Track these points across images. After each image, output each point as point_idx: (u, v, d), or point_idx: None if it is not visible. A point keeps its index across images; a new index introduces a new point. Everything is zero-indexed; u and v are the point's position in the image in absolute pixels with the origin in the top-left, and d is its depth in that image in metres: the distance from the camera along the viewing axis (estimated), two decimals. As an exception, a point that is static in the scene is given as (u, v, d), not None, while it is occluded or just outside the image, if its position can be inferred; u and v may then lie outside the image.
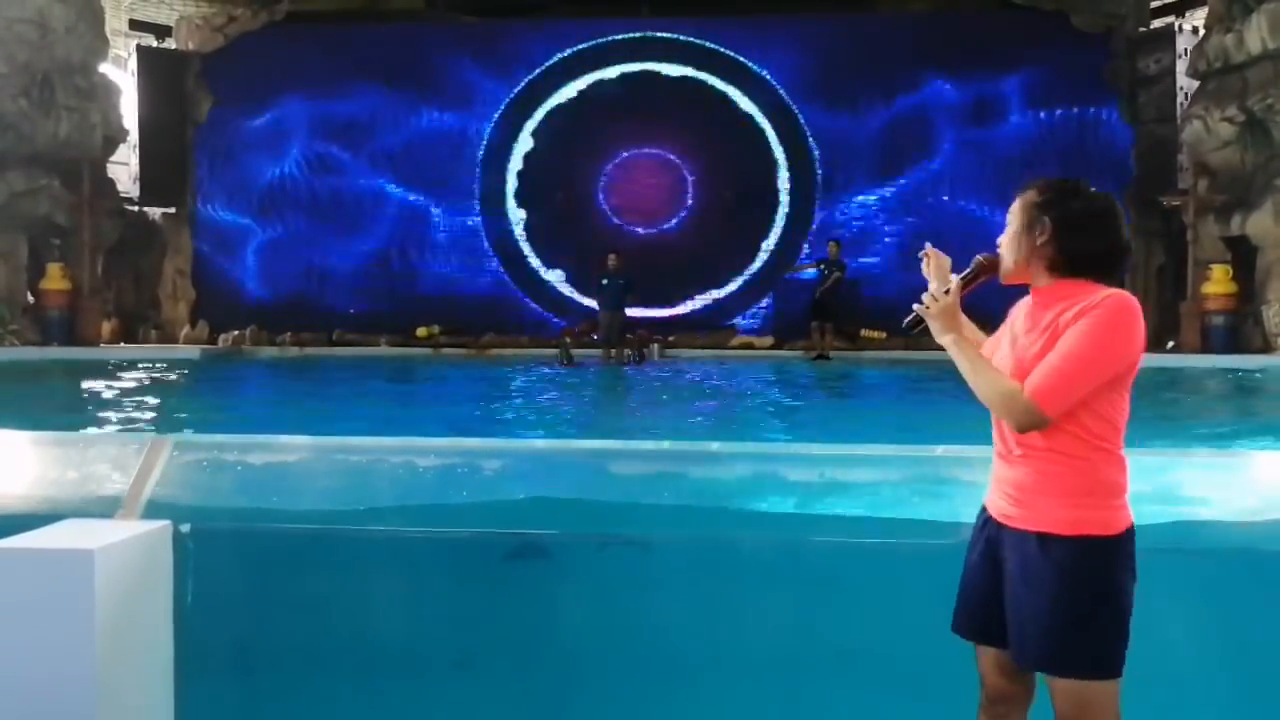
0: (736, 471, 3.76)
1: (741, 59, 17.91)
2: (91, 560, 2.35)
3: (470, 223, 18.32)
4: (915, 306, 2.43)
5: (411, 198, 18.31)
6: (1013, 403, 2.24)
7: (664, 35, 18.02)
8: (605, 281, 15.49)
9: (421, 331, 17.38)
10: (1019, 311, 2.42)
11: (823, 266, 16.10)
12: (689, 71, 17.95)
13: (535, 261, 18.21)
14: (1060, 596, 2.22)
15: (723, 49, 17.88)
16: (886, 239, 17.62)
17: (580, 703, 3.04)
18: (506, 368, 14.51)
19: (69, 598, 2.38)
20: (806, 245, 17.46)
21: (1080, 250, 2.30)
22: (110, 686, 2.44)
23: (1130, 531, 2.28)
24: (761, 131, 17.91)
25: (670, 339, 17.12)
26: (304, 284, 18.29)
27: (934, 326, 2.39)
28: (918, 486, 3.30)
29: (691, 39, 17.97)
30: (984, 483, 2.48)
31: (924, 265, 2.51)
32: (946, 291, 2.40)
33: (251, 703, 2.99)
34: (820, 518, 3.26)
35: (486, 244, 18.29)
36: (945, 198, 17.46)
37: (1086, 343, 2.20)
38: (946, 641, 2.46)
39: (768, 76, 17.82)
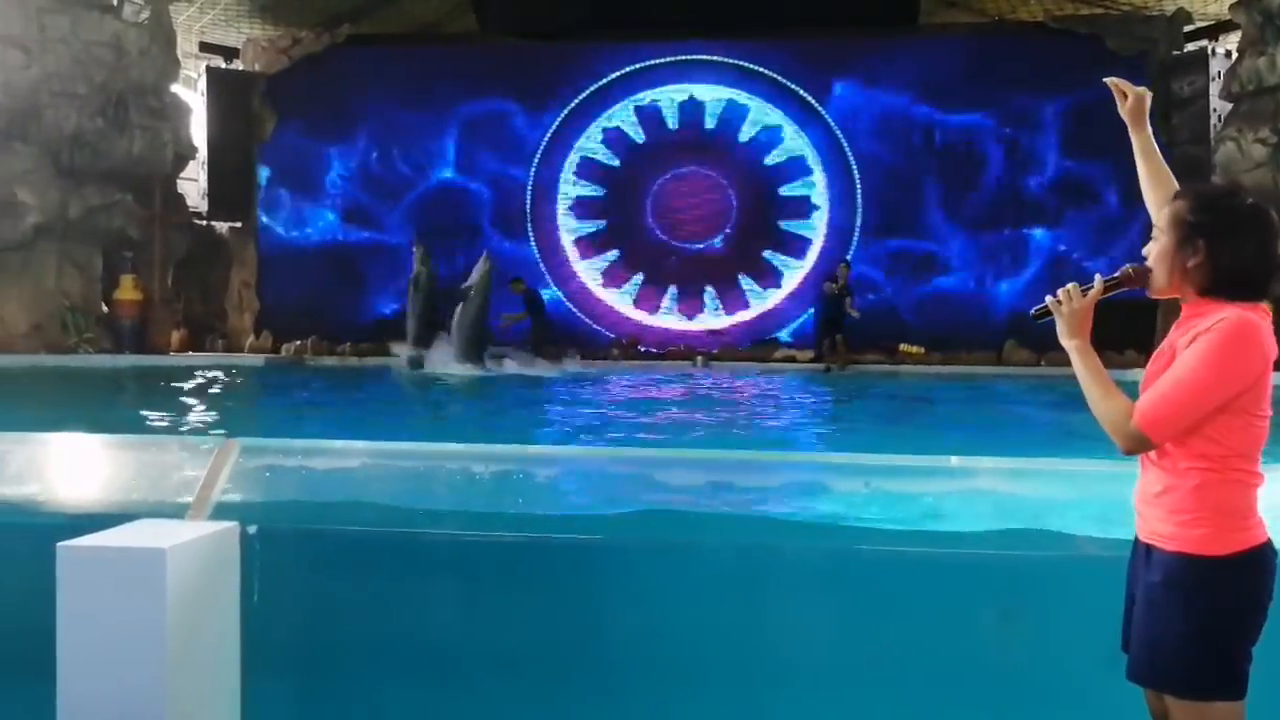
0: (783, 479, 3.79)
1: (783, 80, 18.05)
2: (164, 558, 2.43)
3: (521, 238, 18.59)
4: (1048, 299, 2.32)
5: (464, 214, 18.63)
6: (1120, 425, 2.17)
7: (709, 58, 18.24)
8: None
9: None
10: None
11: (832, 285, 16.23)
12: (734, 93, 18.14)
13: (584, 276, 18.43)
14: (1160, 612, 2.17)
15: (766, 70, 18.04)
16: (920, 259, 17.70)
17: (628, 708, 3.08)
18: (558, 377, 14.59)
19: (142, 594, 2.46)
20: (848, 261, 17.45)
21: (1235, 274, 2.18)
22: (180, 681, 2.53)
23: (1254, 553, 2.17)
24: (804, 150, 18.04)
25: (715, 352, 17.28)
26: (362, 296, 18.64)
27: (1061, 326, 2.29)
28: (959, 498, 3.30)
29: (736, 61, 18.16)
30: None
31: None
32: (1085, 292, 2.29)
33: (314, 701, 3.07)
34: (867, 528, 3.27)
35: (538, 259, 18.52)
36: (983, 220, 17.52)
37: (1197, 369, 2.12)
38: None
39: (810, 98, 17.95)
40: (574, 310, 18.43)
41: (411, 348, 15.13)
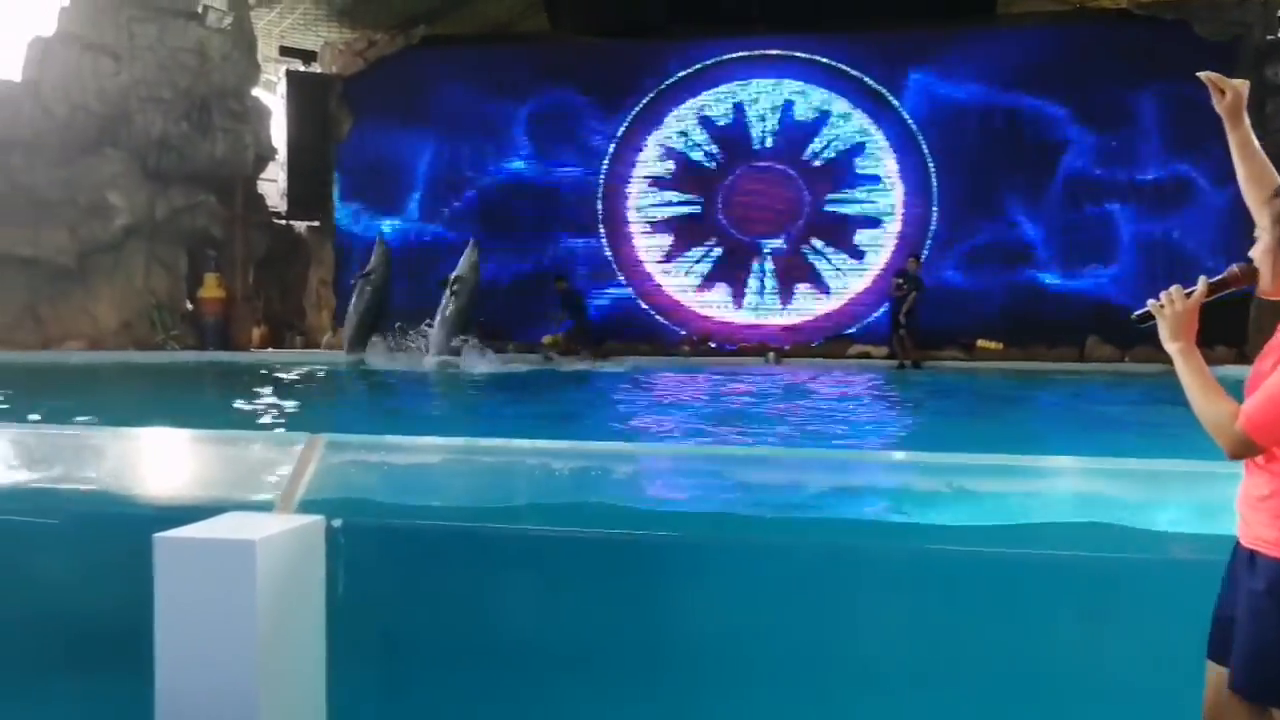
0: (868, 479, 3.74)
1: (855, 73, 17.83)
2: (253, 550, 2.49)
3: (594, 235, 18.66)
4: (1150, 302, 2.28)
5: (537, 211, 18.75)
6: (1224, 428, 2.12)
7: (781, 52, 18.07)
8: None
9: (547, 340, 17.75)
10: None
11: (901, 281, 15.93)
12: (806, 87, 17.98)
13: (654, 272, 18.45)
14: (1266, 621, 2.11)
15: (838, 64, 17.83)
16: (998, 253, 17.37)
17: (706, 708, 3.07)
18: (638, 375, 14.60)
19: (233, 584, 2.53)
20: (918, 257, 17.16)
21: None
22: (269, 667, 2.59)
23: None
24: (877, 145, 17.80)
25: (786, 349, 17.16)
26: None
27: (1163, 329, 2.24)
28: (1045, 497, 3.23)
29: (809, 55, 17.96)
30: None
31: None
32: (1189, 295, 2.23)
33: (396, 693, 3.12)
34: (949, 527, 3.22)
35: (609, 255, 18.58)
36: (1065, 213, 17.11)
37: None
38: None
39: (885, 91, 17.69)
40: (644, 306, 18.45)
41: (350, 348, 15.25)
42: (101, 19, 16.90)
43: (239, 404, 9.72)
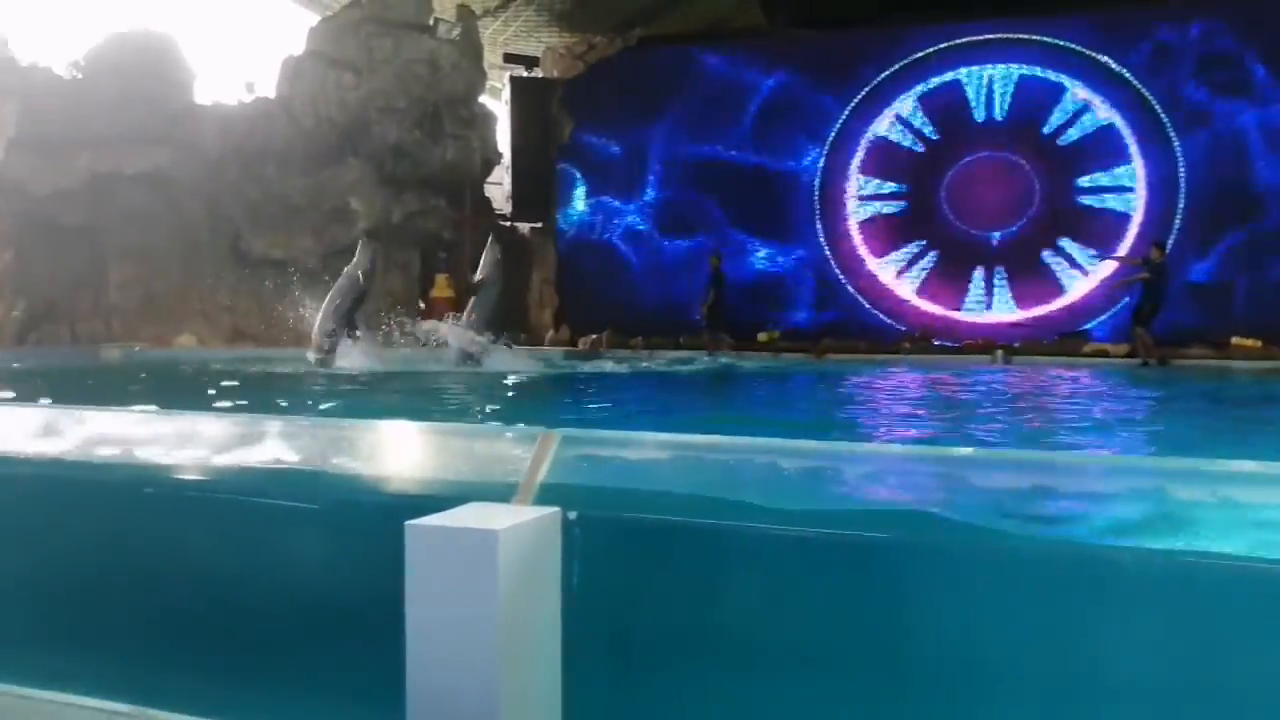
0: (1112, 486, 3.48)
1: (1090, 53, 16.72)
2: (496, 540, 2.56)
3: (811, 228, 18.39)
4: None
5: (755, 206, 18.66)
6: None
7: (1006, 35, 17.21)
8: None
9: (763, 336, 17.65)
10: None
11: (1145, 271, 14.74)
12: (1034, 70, 17.03)
13: (874, 267, 17.98)
14: None
15: (1070, 44, 16.79)
16: (1256, 243, 15.87)
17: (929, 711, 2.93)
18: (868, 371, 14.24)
19: (477, 572, 2.60)
20: (1161, 245, 15.94)
21: None
22: (510, 654, 2.65)
23: None
24: (1116, 130, 16.64)
25: (1016, 346, 16.32)
26: (655, 291, 19.17)
27: None
28: None
29: (1037, 36, 17.01)
30: None
31: None
32: None
33: (626, 688, 3.14)
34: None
35: (827, 250, 18.27)
36: None
37: None
38: None
39: (1122, 70, 16.51)
40: (863, 302, 18.07)
41: (318, 347, 13.89)
42: (344, 36, 18.09)
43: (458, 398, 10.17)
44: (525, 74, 20.94)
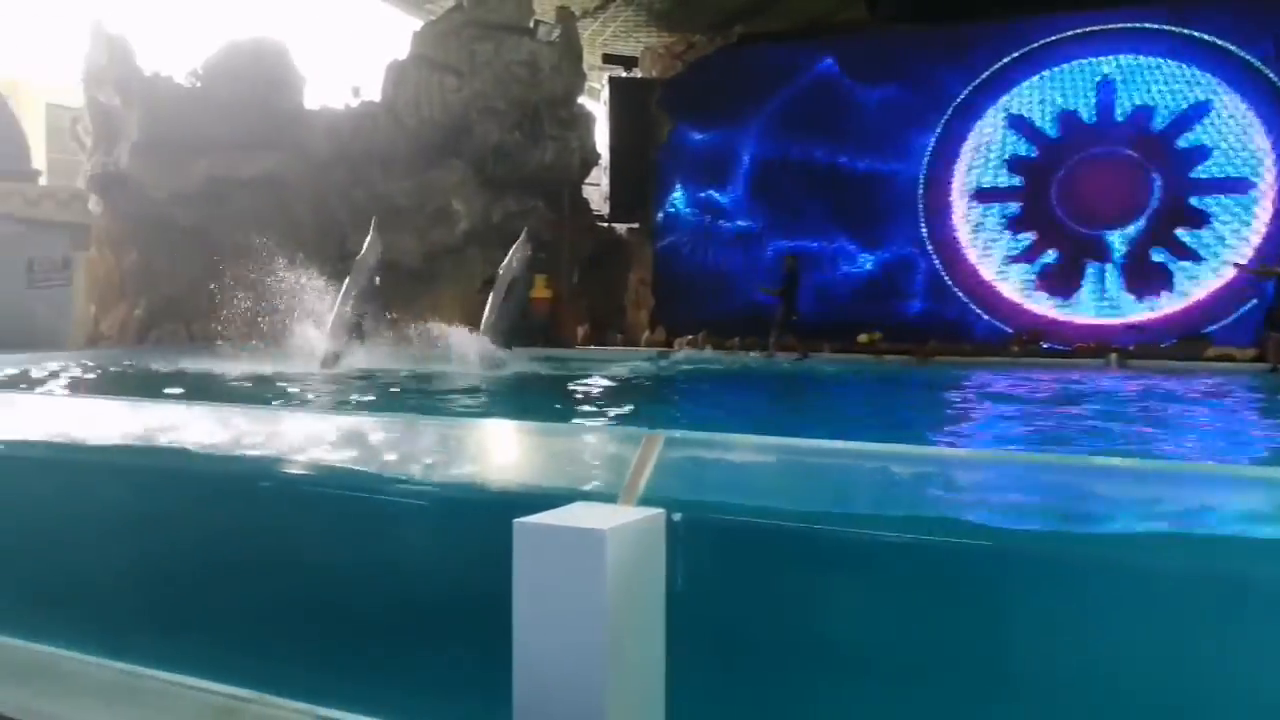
0: (1243, 499, 3.34)
1: (1218, 41, 16.00)
2: (604, 539, 2.58)
3: (915, 228, 18.06)
4: None
5: (857, 205, 18.41)
6: None
7: (1123, 25, 16.59)
8: None
9: (863, 338, 17.40)
10: None
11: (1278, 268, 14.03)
12: (1153, 61, 16.37)
13: (980, 267, 17.56)
14: None
15: (1194, 33, 16.08)
16: None
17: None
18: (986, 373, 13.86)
19: (584, 570, 2.63)
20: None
21: None
22: (615, 656, 2.67)
23: None
24: (1242, 120, 15.91)
25: (1131, 349, 15.73)
26: (752, 292, 19.05)
27: None
28: None
29: (1156, 25, 16.35)
30: None
31: None
32: None
33: (729, 688, 3.14)
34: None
35: (931, 249, 17.92)
36: None
37: None
38: None
39: (1252, 59, 15.76)
40: (969, 304, 17.64)
41: (331, 346, 12.67)
42: (447, 40, 18.42)
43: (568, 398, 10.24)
44: (624, 74, 21.05)
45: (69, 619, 3.55)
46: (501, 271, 13.50)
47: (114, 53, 18.06)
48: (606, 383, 11.78)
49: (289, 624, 3.34)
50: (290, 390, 9.85)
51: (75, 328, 18.46)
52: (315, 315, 13.01)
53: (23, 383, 9.75)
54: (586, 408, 9.36)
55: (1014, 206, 17.33)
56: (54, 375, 11.05)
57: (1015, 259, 17.31)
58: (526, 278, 13.52)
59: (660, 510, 2.92)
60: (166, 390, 9.32)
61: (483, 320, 13.34)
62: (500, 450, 3.68)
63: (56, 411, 4.32)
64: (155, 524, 3.57)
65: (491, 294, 13.38)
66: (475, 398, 10.07)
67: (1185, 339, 15.94)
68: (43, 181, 20.43)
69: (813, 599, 3.11)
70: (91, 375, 12.00)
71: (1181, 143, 16.27)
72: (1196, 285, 16.17)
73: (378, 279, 13.18)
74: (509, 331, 13.32)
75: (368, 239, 13.36)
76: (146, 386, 10.30)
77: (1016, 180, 17.31)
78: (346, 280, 13.03)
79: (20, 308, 17.79)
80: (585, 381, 11.75)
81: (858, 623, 3.09)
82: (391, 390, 10.67)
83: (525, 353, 14.02)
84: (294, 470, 3.44)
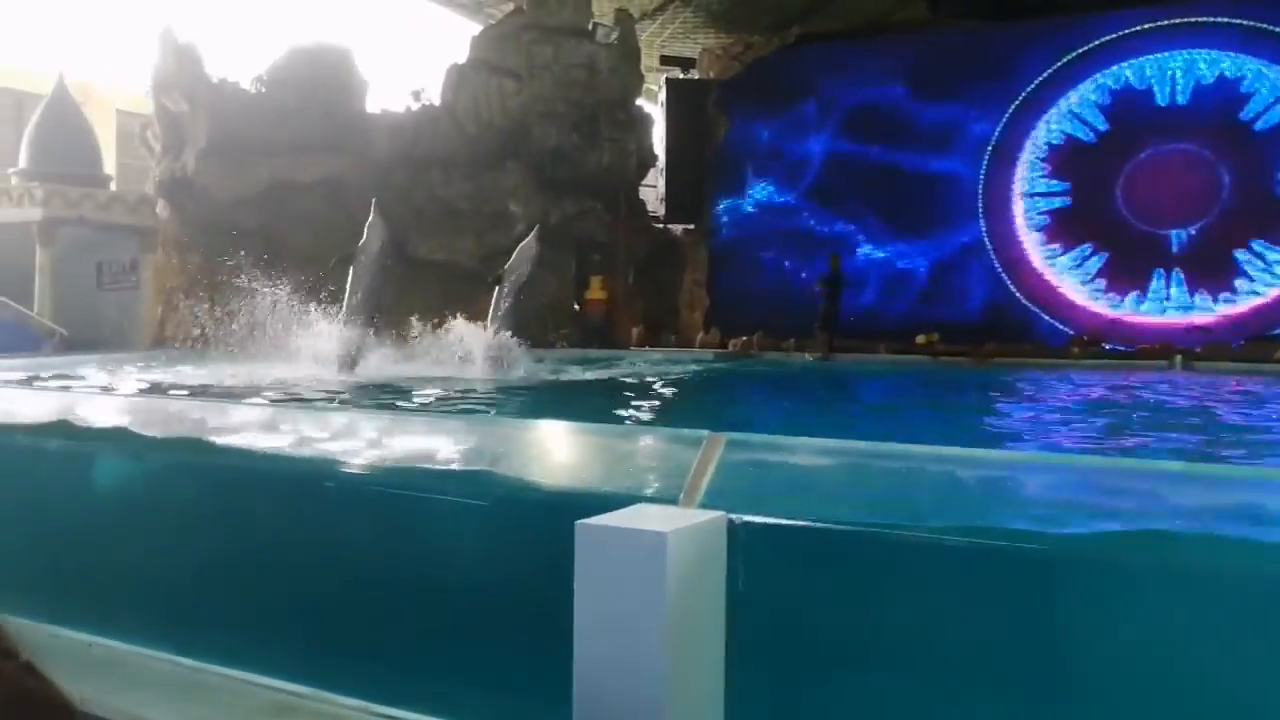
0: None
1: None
2: (665, 541, 2.57)
3: (973, 228, 17.81)
4: None
5: (918, 204, 18.21)
6: None
7: (1191, 19, 16.21)
8: None
9: (921, 339, 17.20)
10: None
11: None
12: (1221, 55, 15.98)
13: (1041, 267, 17.27)
14: None
15: (1268, 25, 15.66)
16: None
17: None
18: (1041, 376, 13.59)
19: (645, 573, 2.61)
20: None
21: None
22: (675, 659, 2.65)
23: None
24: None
25: (1197, 351, 15.33)
26: (808, 293, 18.92)
27: None
28: None
29: (1224, 19, 15.96)
30: None
31: None
32: None
33: (790, 693, 3.10)
34: None
35: (990, 249, 17.66)
36: None
37: None
38: None
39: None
40: (1029, 305, 17.38)
41: (345, 349, 11.39)
42: (506, 43, 18.55)
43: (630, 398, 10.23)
44: (681, 76, 21.02)
45: (134, 614, 3.62)
46: (508, 269, 13.07)
47: (182, 60, 18.44)
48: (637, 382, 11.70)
49: (350, 622, 3.37)
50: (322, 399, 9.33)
51: (143, 329, 18.88)
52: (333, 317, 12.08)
53: (98, 382, 9.99)
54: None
55: (1075, 205, 17.03)
56: (128, 374, 11.23)
57: (1075, 258, 17.00)
58: (528, 275, 12.98)
59: (721, 513, 2.89)
60: (218, 390, 9.45)
61: (488, 318, 12.88)
62: (560, 451, 3.68)
63: (127, 409, 4.41)
64: (221, 522, 3.62)
65: (496, 291, 12.92)
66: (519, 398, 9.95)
67: (1253, 340, 15.51)
68: (113, 186, 20.94)
69: (877, 605, 3.05)
70: (162, 375, 12.24)
71: (1253, 139, 15.86)
72: (1267, 286, 15.75)
73: (386, 265, 12.11)
74: (516, 330, 12.76)
75: (367, 223, 12.22)
76: (208, 387, 10.48)
77: (1078, 180, 17.01)
78: (350, 276, 11.82)
79: (91, 309, 18.26)
80: (584, 382, 11.65)
81: (923, 629, 3.03)
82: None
83: (570, 354, 13.95)
84: (354, 470, 3.47)
